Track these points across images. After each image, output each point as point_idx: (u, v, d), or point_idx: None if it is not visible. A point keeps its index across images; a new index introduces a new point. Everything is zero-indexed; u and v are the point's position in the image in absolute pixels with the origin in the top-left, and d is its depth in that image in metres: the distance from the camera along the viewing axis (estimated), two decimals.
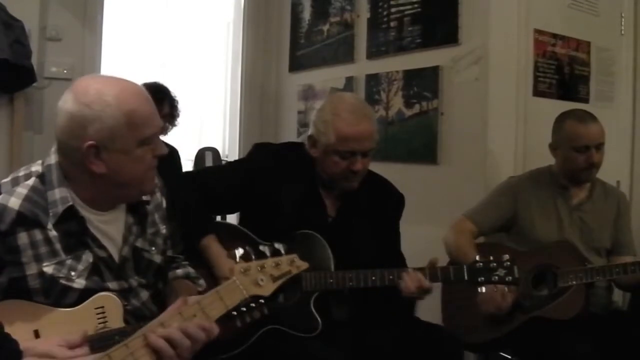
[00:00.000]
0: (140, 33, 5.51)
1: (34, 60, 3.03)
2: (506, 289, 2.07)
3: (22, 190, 1.36)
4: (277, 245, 1.42)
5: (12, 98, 3.09)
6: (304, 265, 1.45)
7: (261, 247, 1.40)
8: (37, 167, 1.42)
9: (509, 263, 1.90)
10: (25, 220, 1.33)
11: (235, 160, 2.41)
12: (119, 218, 1.48)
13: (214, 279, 1.81)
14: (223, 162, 4.27)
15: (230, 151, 4.43)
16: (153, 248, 1.55)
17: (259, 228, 1.95)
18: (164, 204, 1.63)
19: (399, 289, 1.89)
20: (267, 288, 1.37)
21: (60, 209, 1.35)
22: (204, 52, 5.36)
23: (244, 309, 1.39)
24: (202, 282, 1.71)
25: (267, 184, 2.00)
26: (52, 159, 1.41)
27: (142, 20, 5.56)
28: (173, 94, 3.43)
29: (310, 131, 2.05)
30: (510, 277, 1.90)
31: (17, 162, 2.98)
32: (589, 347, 2.01)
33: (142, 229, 1.53)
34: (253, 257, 1.38)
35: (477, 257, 1.93)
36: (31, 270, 1.32)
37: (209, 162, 4.25)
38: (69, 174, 1.39)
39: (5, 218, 1.31)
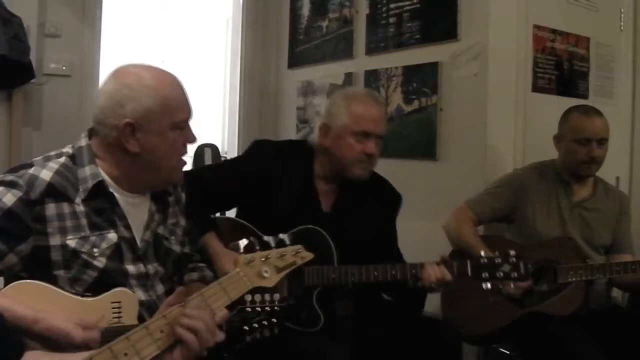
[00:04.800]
0: (139, 29, 5.50)
1: (33, 57, 3.02)
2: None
3: (54, 165, 1.42)
4: (282, 236, 1.42)
5: (10, 94, 3.08)
6: (309, 255, 1.45)
7: (265, 238, 1.40)
8: (67, 149, 1.48)
9: (514, 259, 1.89)
10: (55, 192, 1.38)
11: (233, 158, 2.43)
12: (143, 203, 1.53)
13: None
14: (222, 159, 4.27)
15: (229, 147, 4.42)
16: (172, 237, 1.60)
17: (255, 223, 1.96)
18: (184, 199, 1.68)
19: (417, 281, 1.90)
20: (272, 279, 1.36)
21: (91, 183, 1.41)
22: (203, 49, 5.36)
23: (256, 325, 1.40)
24: None
25: (265, 181, 2.01)
26: (83, 141, 1.47)
27: (141, 16, 5.54)
28: None
29: (320, 121, 2.06)
30: (515, 274, 1.88)
31: (16, 159, 2.97)
32: (589, 343, 2.01)
33: (164, 218, 1.59)
34: (257, 248, 1.37)
35: (483, 253, 1.93)
36: (55, 241, 1.36)
37: (208, 159, 4.25)
38: (100, 154, 1.45)
39: (36, 188, 1.36)
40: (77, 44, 3.34)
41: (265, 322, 1.40)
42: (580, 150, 2.31)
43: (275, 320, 1.40)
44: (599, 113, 2.35)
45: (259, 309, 1.39)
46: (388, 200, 2.17)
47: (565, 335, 2.05)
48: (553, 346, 2.04)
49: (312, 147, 2.09)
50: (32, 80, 3.07)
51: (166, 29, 5.73)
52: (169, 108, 1.43)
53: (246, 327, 1.39)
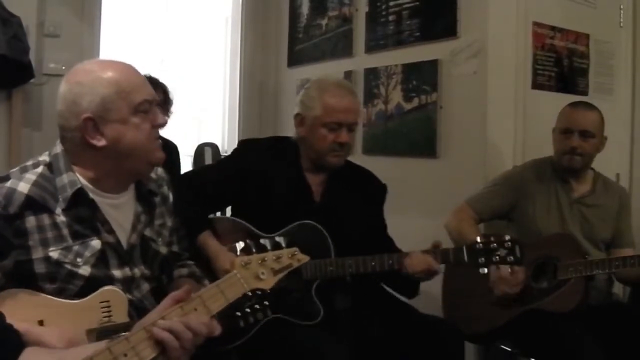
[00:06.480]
0: (138, 28, 5.49)
1: (32, 57, 3.03)
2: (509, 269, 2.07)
3: (31, 176, 1.38)
4: (278, 239, 1.43)
5: (10, 94, 3.09)
6: (305, 258, 1.46)
7: (262, 241, 1.40)
8: (44, 157, 1.45)
9: (510, 243, 1.89)
10: (34, 204, 1.35)
11: (223, 158, 2.47)
12: (128, 205, 1.51)
13: (211, 275, 1.82)
14: (222, 158, 4.27)
15: (229, 146, 4.42)
16: (159, 239, 1.58)
17: (251, 219, 1.98)
18: (171, 198, 1.66)
19: (405, 271, 1.92)
20: (268, 281, 1.37)
21: (70, 192, 1.38)
22: (202, 48, 5.35)
23: (248, 310, 1.40)
24: (206, 282, 1.71)
25: (255, 178, 2.05)
26: (58, 148, 1.44)
27: (141, 15, 5.54)
28: (164, 83, 3.34)
29: (296, 110, 2.12)
30: (512, 257, 1.89)
31: (15, 159, 2.98)
32: (589, 339, 2.01)
33: (150, 219, 1.56)
34: (254, 250, 1.38)
35: (478, 239, 1.93)
36: (37, 254, 1.33)
37: (208, 158, 4.25)
38: (74, 158, 1.42)
39: (14, 202, 1.33)
40: (77, 43, 3.35)
41: (257, 306, 1.40)
42: (562, 141, 2.33)
43: (267, 303, 1.40)
44: (590, 107, 2.36)
45: (249, 293, 1.39)
46: (375, 191, 2.23)
47: (566, 331, 2.05)
48: (554, 343, 2.05)
49: (296, 141, 2.15)
50: (32, 80, 3.07)
51: (165, 28, 5.72)
52: (124, 92, 1.39)
53: (239, 313, 1.39)
